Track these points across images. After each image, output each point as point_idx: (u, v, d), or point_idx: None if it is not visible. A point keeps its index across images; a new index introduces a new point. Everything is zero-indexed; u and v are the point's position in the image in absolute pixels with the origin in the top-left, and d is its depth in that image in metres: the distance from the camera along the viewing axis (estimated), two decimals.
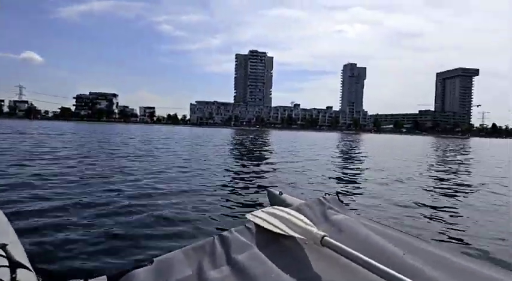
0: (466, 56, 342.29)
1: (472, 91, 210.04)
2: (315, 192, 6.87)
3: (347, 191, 7.36)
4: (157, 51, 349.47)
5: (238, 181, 8.21)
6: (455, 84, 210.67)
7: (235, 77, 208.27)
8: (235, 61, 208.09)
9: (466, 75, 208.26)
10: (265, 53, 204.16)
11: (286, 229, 1.15)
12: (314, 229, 1.13)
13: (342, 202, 1.49)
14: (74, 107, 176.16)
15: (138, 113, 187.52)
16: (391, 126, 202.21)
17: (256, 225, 1.19)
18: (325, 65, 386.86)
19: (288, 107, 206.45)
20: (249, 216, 1.27)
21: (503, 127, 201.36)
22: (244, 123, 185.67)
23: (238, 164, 11.93)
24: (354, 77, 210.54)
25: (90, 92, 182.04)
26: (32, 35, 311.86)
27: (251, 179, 8.63)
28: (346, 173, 10.61)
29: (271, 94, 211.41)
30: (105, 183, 7.03)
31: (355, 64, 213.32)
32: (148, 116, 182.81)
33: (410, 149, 28.32)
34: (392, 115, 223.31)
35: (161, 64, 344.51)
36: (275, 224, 1.18)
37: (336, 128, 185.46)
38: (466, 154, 24.67)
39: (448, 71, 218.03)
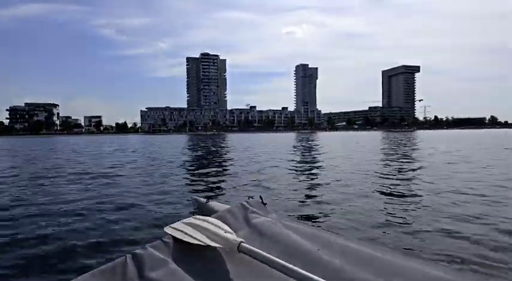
0: (408, 55, 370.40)
1: (415, 87, 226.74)
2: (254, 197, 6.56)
3: (286, 192, 7.06)
4: (101, 57, 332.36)
5: (177, 191, 7.51)
6: (400, 81, 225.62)
7: (187, 81, 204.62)
8: (187, 64, 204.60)
9: (409, 72, 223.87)
10: (217, 55, 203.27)
11: (204, 239, 1.12)
12: (232, 236, 1.13)
13: (265, 204, 1.52)
14: (8, 120, 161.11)
15: (83, 124, 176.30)
16: (344, 123, 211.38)
17: (174, 238, 1.14)
18: (278, 66, 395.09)
19: (244, 109, 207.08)
20: (166, 229, 1.22)
21: (444, 119, 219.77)
22: (200, 128, 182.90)
23: (184, 174, 10.96)
24: (306, 77, 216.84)
25: (26, 103, 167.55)
26: None
27: (190, 188, 8.02)
28: (298, 174, 10.29)
29: (226, 97, 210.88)
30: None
31: (307, 65, 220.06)
32: (95, 125, 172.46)
33: (361, 145, 29.27)
34: (344, 113, 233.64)
35: (105, 70, 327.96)
36: (193, 236, 1.14)
37: (292, 128, 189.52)
38: (409, 147, 26.00)
39: (392, 68, 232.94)
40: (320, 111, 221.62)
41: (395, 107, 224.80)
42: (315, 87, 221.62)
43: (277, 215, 1.43)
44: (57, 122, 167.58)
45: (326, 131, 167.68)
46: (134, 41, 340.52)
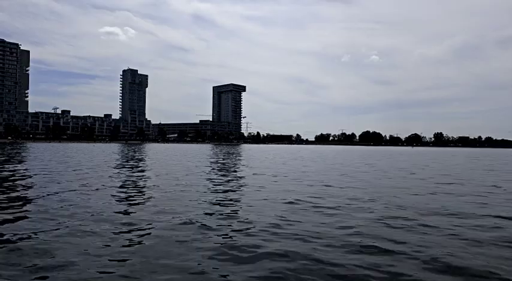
0: (233, 74, 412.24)
1: (242, 105, 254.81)
2: None
3: None
4: None
5: None
6: (229, 98, 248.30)
7: None
8: None
9: (237, 90, 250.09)
10: (17, 44, 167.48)
11: None
12: None
13: None
14: None
15: None
16: (176, 135, 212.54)
17: None
18: (96, 69, 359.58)
19: (55, 114, 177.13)
20: None
21: (265, 135, 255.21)
22: None
23: None
24: (135, 84, 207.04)
25: None
26: None
27: None
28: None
29: (27, 97, 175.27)
30: None
31: (136, 70, 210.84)
32: None
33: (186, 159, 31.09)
34: (175, 124, 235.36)
35: None
36: None
37: (117, 138, 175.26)
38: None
39: (222, 85, 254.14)
40: (150, 121, 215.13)
41: (224, 122, 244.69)
42: (145, 96, 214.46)
43: None
44: None
45: (158, 142, 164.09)
46: None
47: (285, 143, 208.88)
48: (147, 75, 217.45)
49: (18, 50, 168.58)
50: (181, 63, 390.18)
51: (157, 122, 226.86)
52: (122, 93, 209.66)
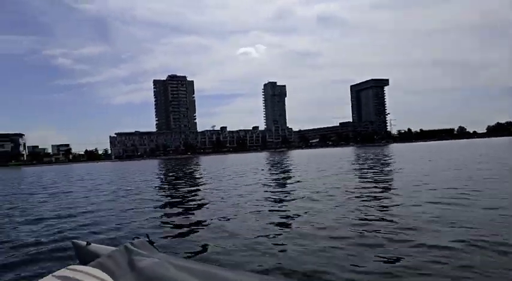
0: (368, 70, 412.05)
1: (385, 100, 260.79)
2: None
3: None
4: (58, 86, 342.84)
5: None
6: (369, 95, 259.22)
7: (155, 104, 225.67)
8: (154, 88, 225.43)
9: (378, 86, 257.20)
10: (185, 77, 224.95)
11: None
12: None
13: (153, 243, 1.58)
14: None
15: (51, 152, 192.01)
16: (317, 140, 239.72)
17: None
18: (239, 87, 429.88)
19: (216, 130, 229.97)
20: None
21: (418, 131, 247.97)
22: (171, 152, 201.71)
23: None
24: (275, 96, 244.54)
25: None
26: None
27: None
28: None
29: (195, 119, 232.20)
30: None
31: (275, 82, 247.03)
32: (64, 154, 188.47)
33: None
34: (315, 130, 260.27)
35: (65, 99, 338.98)
36: None
37: (266, 147, 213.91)
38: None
39: (361, 83, 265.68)
40: (291, 129, 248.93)
41: (366, 122, 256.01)
42: (284, 105, 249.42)
43: (166, 255, 1.50)
44: (25, 152, 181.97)
45: (302, 148, 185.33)
46: (90, 70, 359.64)
47: (444, 139, 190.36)
48: (284, 86, 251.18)
49: (186, 81, 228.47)
50: (311, 68, 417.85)
51: (297, 129, 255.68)
52: (265, 105, 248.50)
